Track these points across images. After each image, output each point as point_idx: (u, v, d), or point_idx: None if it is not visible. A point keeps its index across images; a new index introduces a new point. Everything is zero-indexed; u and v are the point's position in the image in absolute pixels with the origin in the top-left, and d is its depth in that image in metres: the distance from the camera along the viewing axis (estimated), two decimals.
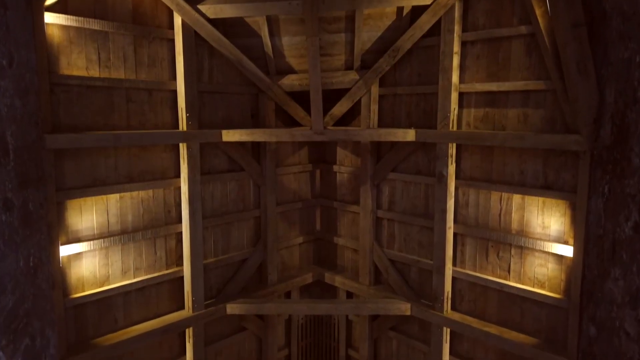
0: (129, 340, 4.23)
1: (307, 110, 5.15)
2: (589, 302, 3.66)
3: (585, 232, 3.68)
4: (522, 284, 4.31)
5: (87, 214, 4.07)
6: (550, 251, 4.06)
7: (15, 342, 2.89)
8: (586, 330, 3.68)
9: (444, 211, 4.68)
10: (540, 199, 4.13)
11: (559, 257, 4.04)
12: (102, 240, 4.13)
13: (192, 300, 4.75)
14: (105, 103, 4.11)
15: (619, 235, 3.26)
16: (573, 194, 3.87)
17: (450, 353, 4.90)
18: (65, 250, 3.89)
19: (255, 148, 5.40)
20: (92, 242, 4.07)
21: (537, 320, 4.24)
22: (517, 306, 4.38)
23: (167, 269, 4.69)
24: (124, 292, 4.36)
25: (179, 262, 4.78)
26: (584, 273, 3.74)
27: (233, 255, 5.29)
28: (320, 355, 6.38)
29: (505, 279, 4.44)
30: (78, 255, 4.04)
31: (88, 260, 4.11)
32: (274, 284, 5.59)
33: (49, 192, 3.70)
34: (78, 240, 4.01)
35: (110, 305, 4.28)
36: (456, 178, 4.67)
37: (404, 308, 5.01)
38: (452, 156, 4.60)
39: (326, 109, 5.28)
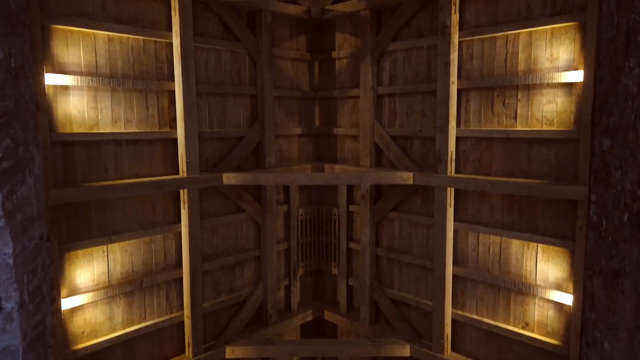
0: (119, 187, 4.06)
1: None
2: (601, 115, 3.47)
3: (597, 38, 3.48)
4: (530, 126, 4.13)
5: (73, 48, 3.88)
6: (559, 81, 3.87)
7: None
8: (599, 144, 3.50)
9: (447, 64, 4.49)
10: (549, 31, 3.94)
11: (569, 86, 3.86)
12: (89, 78, 3.95)
13: (187, 163, 4.58)
14: None
15: (634, 22, 3.08)
16: (583, 13, 3.68)
17: (455, 219, 4.71)
18: (51, 80, 3.72)
19: (251, 18, 5.21)
20: (79, 77, 3.88)
21: (545, 162, 4.06)
22: (524, 153, 4.19)
23: (159, 128, 4.51)
24: (114, 141, 4.18)
25: (172, 124, 4.60)
26: (596, 88, 3.54)
27: (229, 130, 5.11)
28: (321, 252, 6.20)
29: (511, 126, 4.26)
30: (65, 90, 3.86)
31: (76, 99, 3.93)
32: (272, 167, 5.42)
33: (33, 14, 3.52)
34: (64, 72, 3.83)
35: (100, 153, 4.10)
36: (460, 29, 4.48)
37: (406, 177, 4.83)
38: (455, 4, 4.41)
39: None
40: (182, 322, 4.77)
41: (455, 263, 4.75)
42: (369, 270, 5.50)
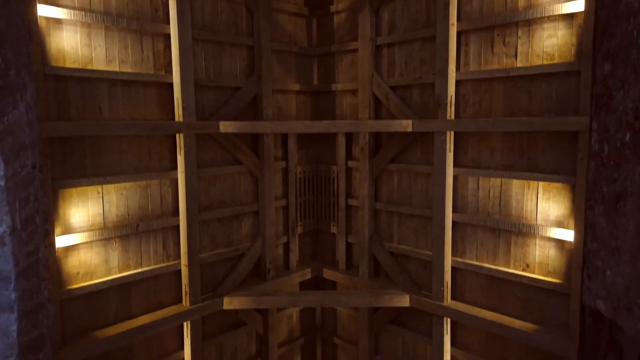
0: (115, 125, 4.01)
1: None
2: (603, 40, 3.41)
3: None
4: (531, 63, 4.07)
5: None
6: (560, 13, 3.81)
7: None
8: (600, 70, 3.43)
9: (446, 5, 4.42)
10: None
11: (570, 17, 3.80)
12: (83, 13, 3.88)
13: (183, 107, 4.52)
14: None
15: None
16: None
17: (455, 165, 4.65)
18: (43, 11, 3.65)
19: None
20: (72, 11, 3.82)
21: (546, 99, 4.00)
22: (525, 91, 4.13)
23: (155, 71, 4.45)
24: (108, 80, 4.12)
25: (168, 68, 4.54)
26: (597, 14, 3.47)
27: (226, 80, 5.04)
28: (320, 211, 6.15)
29: (512, 65, 4.20)
30: (58, 24, 3.80)
31: (69, 34, 3.87)
32: (269, 119, 5.35)
33: None
34: (56, 4, 3.76)
35: (94, 91, 4.04)
36: None
37: (406, 124, 4.76)
38: None
39: None
40: (179, 271, 4.72)
41: (455, 210, 4.70)
42: (368, 225, 5.45)
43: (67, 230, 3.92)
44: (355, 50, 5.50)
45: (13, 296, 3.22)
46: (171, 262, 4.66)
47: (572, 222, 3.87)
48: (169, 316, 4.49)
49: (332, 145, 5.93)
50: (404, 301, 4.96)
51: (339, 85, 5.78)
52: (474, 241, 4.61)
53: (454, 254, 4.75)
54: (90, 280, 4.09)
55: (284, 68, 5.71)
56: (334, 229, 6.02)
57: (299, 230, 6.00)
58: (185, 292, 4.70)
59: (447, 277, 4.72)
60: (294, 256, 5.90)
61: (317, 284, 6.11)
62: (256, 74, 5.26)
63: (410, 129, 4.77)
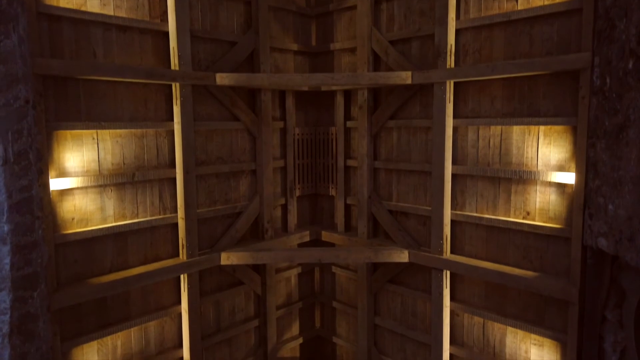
0: (110, 67, 3.95)
1: None
2: None
3: None
4: (532, 4, 4.00)
5: None
6: None
7: None
8: (602, 3, 3.37)
9: None
10: None
11: None
12: None
13: (179, 57, 4.45)
14: None
15: None
16: None
17: (455, 117, 4.60)
18: None
19: None
20: None
21: (547, 41, 3.93)
22: (526, 35, 4.07)
23: (150, 19, 4.39)
24: (103, 24, 4.05)
25: (164, 17, 4.47)
26: None
27: (222, 33, 4.97)
28: (318, 174, 6.10)
29: (513, 8, 4.14)
30: None
31: None
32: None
33: None
34: None
35: (88, 35, 3.97)
36: None
37: (405, 76, 4.70)
38: None
39: None
40: (176, 224, 4.68)
41: (454, 162, 4.65)
42: (367, 184, 5.40)
43: (62, 174, 3.87)
44: (354, 7, 5.43)
45: (6, 228, 3.18)
46: (168, 215, 4.61)
47: (573, 165, 3.82)
48: (166, 267, 4.45)
49: (330, 106, 5.88)
50: (403, 256, 4.93)
51: (337, 44, 5.71)
52: (474, 193, 4.56)
53: (453, 207, 4.70)
54: (85, 226, 4.04)
55: (281, 27, 5.64)
56: (332, 192, 5.98)
57: (297, 193, 5.95)
58: (182, 245, 4.65)
59: (447, 230, 4.68)
60: (292, 218, 5.85)
61: (315, 245, 6.06)
62: (253, 30, 5.19)
63: (409, 81, 4.71)
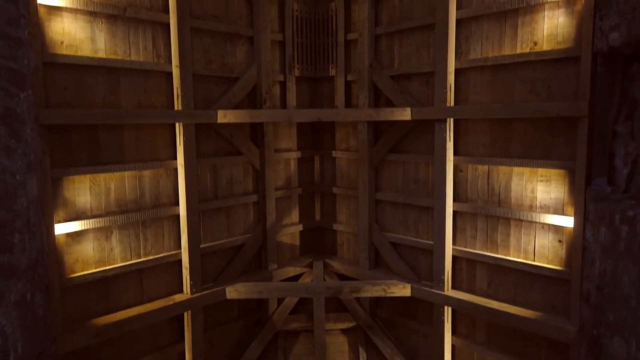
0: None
1: None
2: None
3: None
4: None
5: None
6: None
7: None
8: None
9: None
10: None
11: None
12: None
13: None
14: None
15: None
16: None
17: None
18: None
19: None
20: None
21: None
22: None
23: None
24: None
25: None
26: None
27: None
28: (317, 55, 5.93)
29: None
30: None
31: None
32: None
33: None
34: None
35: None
36: None
37: None
38: None
39: None
40: (171, 74, 4.53)
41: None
42: (368, 53, 5.23)
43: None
44: None
45: None
46: (162, 62, 4.46)
47: None
48: (161, 111, 4.33)
49: None
50: (405, 114, 4.77)
51: None
52: (479, 37, 4.40)
53: (457, 57, 4.54)
54: (75, 53, 3.89)
55: None
56: (332, 72, 5.81)
57: (297, 73, 5.79)
58: (177, 95, 4.51)
59: (451, 79, 4.52)
60: (292, 96, 5.70)
61: (315, 124, 5.92)
62: None
63: None
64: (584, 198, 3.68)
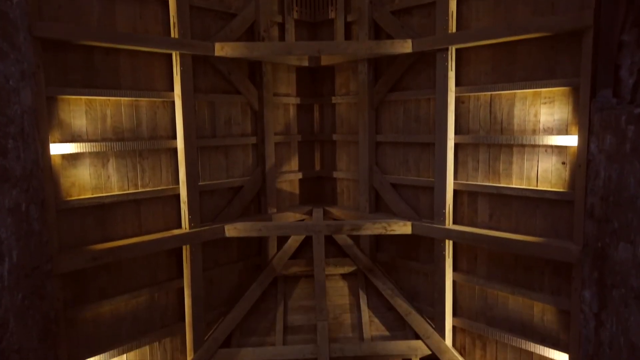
0: None
1: None
2: None
3: None
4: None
5: None
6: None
7: None
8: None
9: None
10: None
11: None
12: None
13: None
14: None
15: None
16: None
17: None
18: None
19: None
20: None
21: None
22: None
23: None
24: None
25: None
26: None
27: None
28: None
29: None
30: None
31: None
32: None
33: None
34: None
35: None
36: None
37: None
38: None
39: None
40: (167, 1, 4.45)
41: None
42: None
43: None
44: None
45: None
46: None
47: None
48: (157, 38, 4.25)
49: None
50: (406, 46, 4.69)
51: None
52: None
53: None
54: None
55: None
56: (332, 14, 5.72)
57: (295, 15, 5.70)
58: (174, 23, 4.43)
59: (453, 6, 4.44)
60: (290, 37, 5.61)
61: (314, 67, 5.85)
62: None
63: None
64: (589, 111, 3.61)
